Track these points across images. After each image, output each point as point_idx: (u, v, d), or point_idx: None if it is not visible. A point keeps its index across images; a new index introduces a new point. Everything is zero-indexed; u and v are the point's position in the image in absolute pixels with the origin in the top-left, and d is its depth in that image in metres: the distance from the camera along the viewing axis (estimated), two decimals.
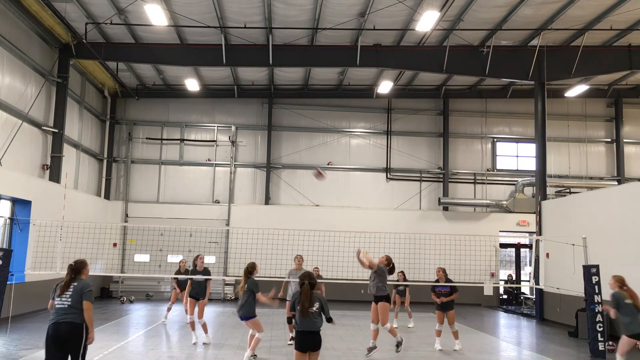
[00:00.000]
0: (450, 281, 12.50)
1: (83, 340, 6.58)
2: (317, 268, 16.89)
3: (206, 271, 12.37)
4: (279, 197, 24.26)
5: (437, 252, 17.58)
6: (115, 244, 22.32)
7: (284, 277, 12.28)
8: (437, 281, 12.51)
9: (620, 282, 9.44)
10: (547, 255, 17.68)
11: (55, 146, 18.27)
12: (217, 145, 24.42)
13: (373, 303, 11.45)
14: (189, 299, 12.19)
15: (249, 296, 9.77)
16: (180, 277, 15.00)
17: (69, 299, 6.64)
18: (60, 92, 18.44)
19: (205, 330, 12.08)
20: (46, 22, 16.99)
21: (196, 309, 12.04)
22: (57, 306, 6.70)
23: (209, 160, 24.29)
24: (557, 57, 19.13)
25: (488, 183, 24.94)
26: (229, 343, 12.24)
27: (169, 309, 15.67)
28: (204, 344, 11.80)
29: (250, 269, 9.88)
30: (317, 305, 7.01)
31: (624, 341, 9.19)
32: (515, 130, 25.39)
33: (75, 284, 6.74)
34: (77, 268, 6.86)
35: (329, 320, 7.20)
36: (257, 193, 24.27)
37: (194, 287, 12.17)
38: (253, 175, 24.41)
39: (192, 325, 12.10)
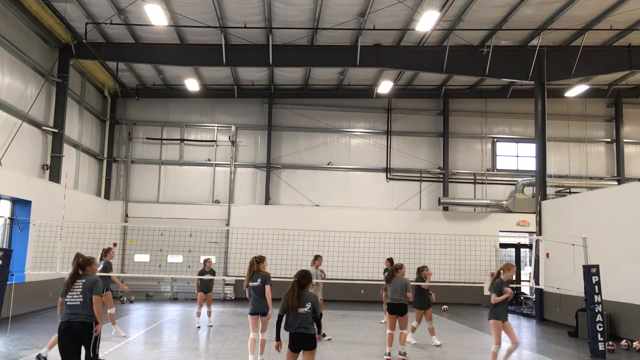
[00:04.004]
0: None
1: (93, 337, 6.77)
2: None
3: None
4: (279, 197, 24.26)
5: (437, 252, 17.60)
6: (115, 244, 22.29)
7: (284, 277, 12.25)
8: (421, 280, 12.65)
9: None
10: (547, 255, 17.68)
11: (55, 146, 18.26)
12: (217, 145, 24.41)
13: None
14: None
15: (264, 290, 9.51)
16: None
17: (80, 296, 6.72)
18: (60, 92, 18.43)
19: None
20: (46, 22, 16.99)
21: None
22: (69, 303, 6.74)
23: (209, 160, 24.29)
24: (557, 57, 19.12)
25: (488, 183, 24.94)
26: (229, 344, 12.25)
27: None
28: None
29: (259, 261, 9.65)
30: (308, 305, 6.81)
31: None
32: (515, 130, 25.38)
33: (84, 280, 6.81)
34: (83, 264, 6.94)
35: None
36: (257, 193, 24.27)
37: None
38: (253, 175, 24.41)
39: None
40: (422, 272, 12.77)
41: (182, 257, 22.39)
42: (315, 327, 6.81)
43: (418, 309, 12.63)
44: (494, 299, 9.31)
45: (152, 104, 24.35)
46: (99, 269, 12.19)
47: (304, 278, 6.89)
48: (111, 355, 10.52)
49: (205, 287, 14.64)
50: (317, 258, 14.18)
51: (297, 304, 6.70)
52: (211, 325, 14.70)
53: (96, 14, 16.77)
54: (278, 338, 6.82)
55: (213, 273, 14.94)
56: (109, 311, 12.43)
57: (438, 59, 19.13)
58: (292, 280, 6.99)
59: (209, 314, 14.84)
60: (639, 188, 14.52)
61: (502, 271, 9.57)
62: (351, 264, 17.65)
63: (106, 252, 12.98)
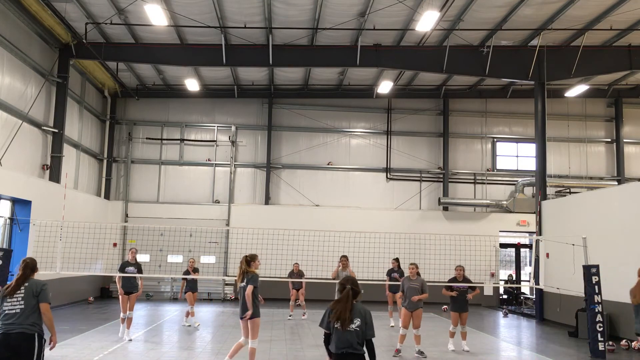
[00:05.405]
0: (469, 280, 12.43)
1: (36, 352, 5.76)
2: (297, 264, 16.65)
3: None
4: (279, 197, 24.26)
5: (437, 252, 17.58)
6: (115, 244, 22.32)
7: (284, 278, 12.21)
8: (454, 279, 12.30)
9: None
10: (547, 255, 17.67)
11: (55, 146, 18.26)
12: (217, 145, 24.41)
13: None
14: None
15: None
16: None
17: (21, 303, 5.78)
18: (60, 92, 18.44)
19: None
20: (46, 22, 16.99)
21: None
22: (6, 312, 5.77)
23: (209, 160, 24.29)
24: (557, 57, 19.12)
25: (488, 183, 24.94)
26: (229, 344, 12.24)
27: None
28: None
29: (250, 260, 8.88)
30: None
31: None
32: (515, 130, 25.38)
33: (27, 284, 5.90)
34: (33, 265, 6.06)
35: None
36: (257, 193, 24.27)
37: None
38: (253, 175, 24.41)
39: None
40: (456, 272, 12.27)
41: (182, 257, 22.37)
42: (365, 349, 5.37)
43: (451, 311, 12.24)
44: None
45: (152, 104, 24.35)
46: (131, 269, 12.89)
47: (355, 285, 5.47)
48: (111, 355, 10.52)
49: (193, 286, 14.86)
50: (342, 258, 14.09)
51: (350, 318, 5.34)
52: (190, 325, 14.57)
53: (96, 14, 16.77)
54: (330, 356, 5.47)
55: (196, 272, 15.11)
56: (128, 313, 12.53)
57: (438, 59, 19.13)
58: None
59: (193, 314, 14.78)
60: (639, 188, 14.52)
61: None
62: (351, 264, 17.59)
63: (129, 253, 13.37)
